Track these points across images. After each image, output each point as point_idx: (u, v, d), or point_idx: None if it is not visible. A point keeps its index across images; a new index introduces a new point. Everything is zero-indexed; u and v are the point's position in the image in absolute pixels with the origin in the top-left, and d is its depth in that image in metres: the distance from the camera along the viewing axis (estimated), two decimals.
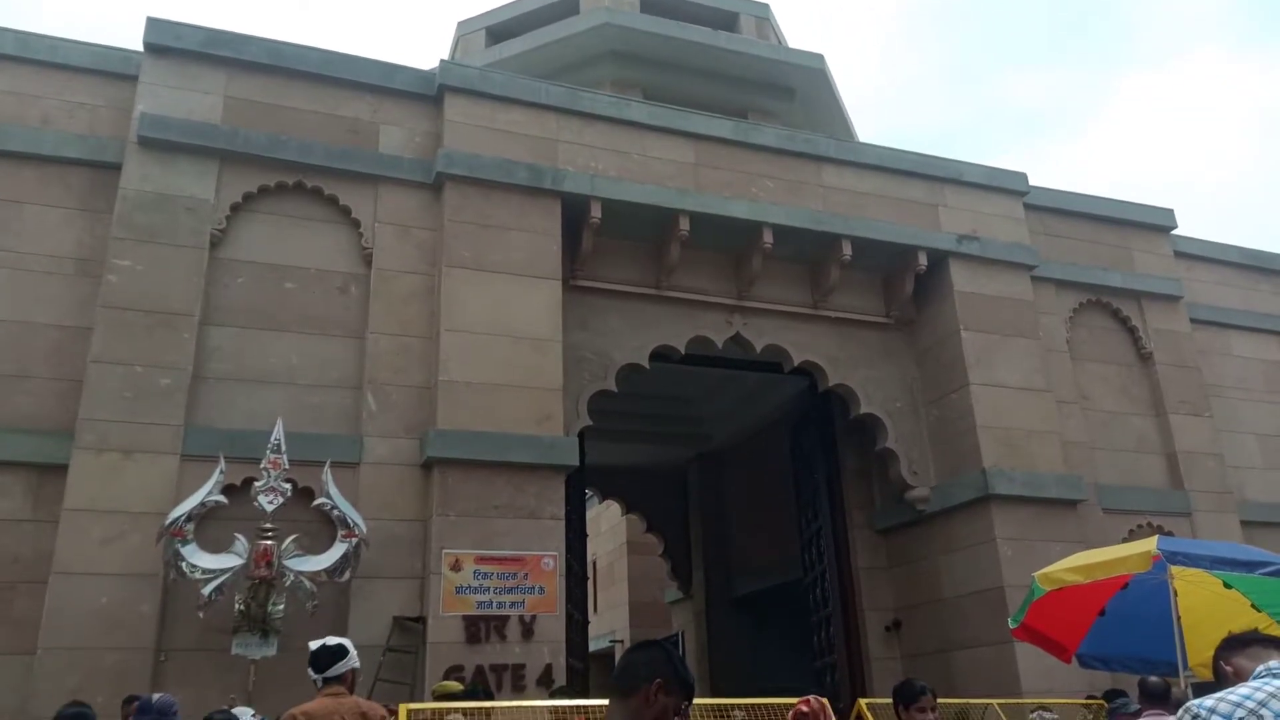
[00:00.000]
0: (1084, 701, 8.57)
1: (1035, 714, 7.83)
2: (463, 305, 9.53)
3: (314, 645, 4.84)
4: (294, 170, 9.69)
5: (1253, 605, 5.78)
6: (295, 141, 9.73)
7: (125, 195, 9.06)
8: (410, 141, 10.27)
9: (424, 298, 9.72)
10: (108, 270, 8.78)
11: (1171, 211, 14.16)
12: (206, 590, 7.68)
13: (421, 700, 7.54)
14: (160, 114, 9.36)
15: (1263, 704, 2.19)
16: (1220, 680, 2.60)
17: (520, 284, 9.82)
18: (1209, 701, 2.28)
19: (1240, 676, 2.50)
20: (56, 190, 9.32)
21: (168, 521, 7.79)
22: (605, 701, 3.05)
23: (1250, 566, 5.69)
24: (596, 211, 10.40)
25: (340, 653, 4.77)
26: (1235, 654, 2.62)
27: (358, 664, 4.93)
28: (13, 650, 7.79)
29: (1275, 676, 2.29)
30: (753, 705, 5.64)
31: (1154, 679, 6.07)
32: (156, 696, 5.68)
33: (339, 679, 4.71)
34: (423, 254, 9.87)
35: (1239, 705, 2.22)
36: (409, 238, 9.88)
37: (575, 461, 9.59)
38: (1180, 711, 2.31)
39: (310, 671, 4.79)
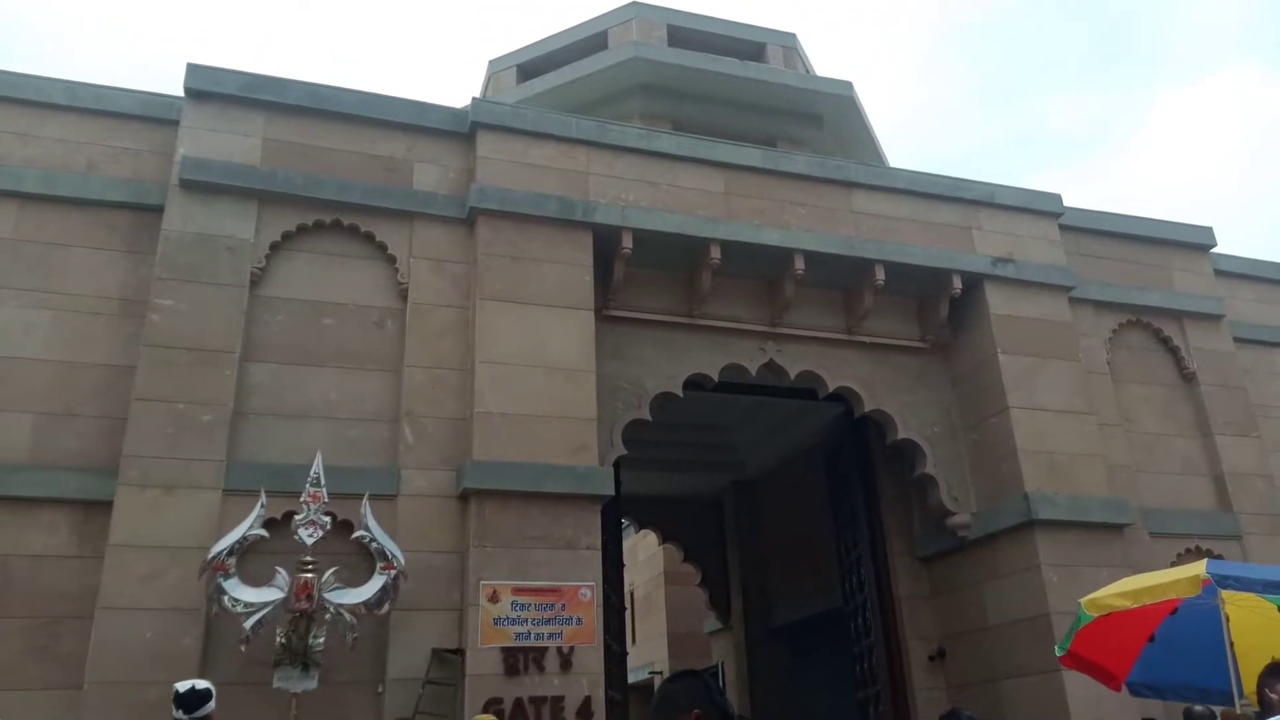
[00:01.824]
0: None
1: None
2: (496, 337, 9.62)
3: (182, 687, 5.60)
4: (331, 209, 9.88)
5: None
6: (333, 181, 9.93)
7: (168, 236, 9.29)
8: (444, 178, 10.44)
9: (459, 331, 9.82)
10: (150, 309, 8.98)
11: (1210, 229, 13.95)
12: (248, 624, 7.75)
13: None
14: (201, 157, 9.60)
15: None
16: (1265, 708, 2.54)
17: (553, 315, 9.90)
18: None
19: None
20: (101, 233, 9.58)
21: (210, 556, 7.90)
22: None
23: None
24: (628, 242, 10.48)
25: (207, 696, 5.60)
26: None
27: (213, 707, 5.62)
28: (60, 685, 7.89)
29: None
30: None
31: (1199, 708, 5.90)
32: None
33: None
34: (457, 288, 9.99)
35: None
36: (443, 272, 10.01)
37: (610, 491, 9.59)
38: None
39: (179, 712, 5.48)
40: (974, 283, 11.82)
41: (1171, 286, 13.28)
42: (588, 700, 8.61)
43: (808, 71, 18.25)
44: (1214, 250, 13.93)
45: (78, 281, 9.32)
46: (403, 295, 9.87)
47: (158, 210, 9.51)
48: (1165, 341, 12.99)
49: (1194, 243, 13.78)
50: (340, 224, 9.91)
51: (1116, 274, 13.10)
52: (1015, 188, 12.72)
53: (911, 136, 75.67)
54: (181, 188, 9.48)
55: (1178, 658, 6.45)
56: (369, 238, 9.97)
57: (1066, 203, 12.85)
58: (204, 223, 9.43)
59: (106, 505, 8.31)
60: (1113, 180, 74.69)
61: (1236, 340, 13.35)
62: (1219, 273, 13.82)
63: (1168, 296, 13.12)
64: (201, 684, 5.75)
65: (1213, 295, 13.40)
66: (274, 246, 9.62)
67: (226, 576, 7.86)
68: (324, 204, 9.86)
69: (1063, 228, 12.72)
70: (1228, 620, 5.67)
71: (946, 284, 11.71)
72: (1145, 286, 13.11)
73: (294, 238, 9.76)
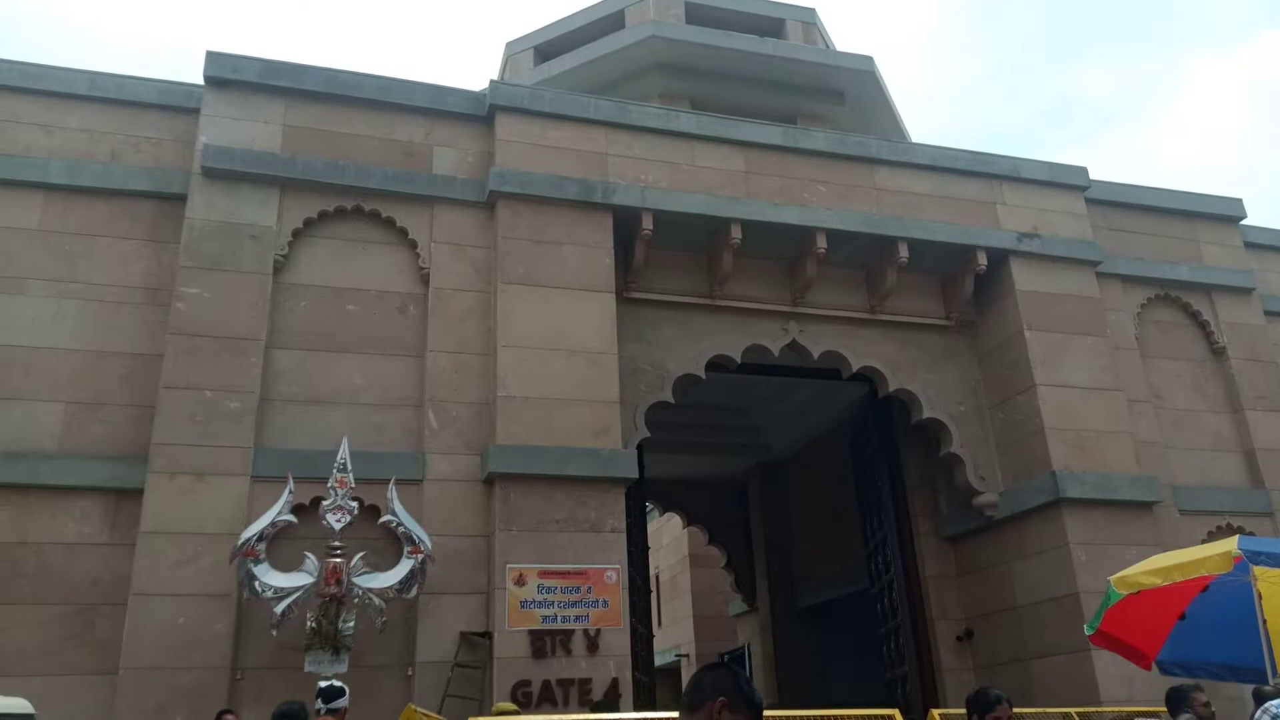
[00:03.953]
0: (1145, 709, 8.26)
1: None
2: (518, 321, 9.62)
3: (322, 684, 6.25)
4: (352, 194, 9.90)
5: None
6: (353, 166, 9.94)
7: (191, 225, 9.34)
8: (463, 162, 10.42)
9: (480, 315, 9.83)
10: (176, 298, 9.05)
11: (1240, 201, 13.71)
12: (279, 609, 7.84)
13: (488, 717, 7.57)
14: (222, 144, 9.63)
15: None
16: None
17: (574, 298, 9.88)
18: None
19: None
20: (126, 222, 9.65)
21: (240, 542, 7.98)
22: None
23: None
24: (648, 223, 10.43)
25: (340, 692, 6.20)
26: None
27: (348, 704, 6.17)
28: (95, 670, 8.03)
29: None
30: (821, 717, 5.56)
31: (1268, 687, 5.81)
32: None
33: (336, 711, 6.08)
34: (478, 272, 9.99)
35: None
36: (464, 256, 10.02)
37: (634, 474, 9.59)
38: (1259, 711, 2.28)
39: (319, 702, 6.00)
40: (999, 259, 11.68)
41: (1200, 260, 13.08)
42: (615, 682, 8.64)
43: (827, 47, 18.04)
44: (1244, 222, 13.69)
45: (104, 271, 9.40)
46: (424, 280, 9.88)
47: (181, 199, 9.57)
48: (1194, 316, 12.81)
49: (1223, 215, 13.55)
50: (361, 209, 9.93)
51: (1144, 248, 12.90)
52: (1040, 161, 12.54)
53: (936, 112, 74.79)
54: (204, 176, 9.53)
55: (1209, 635, 6.36)
56: (390, 223, 9.98)
57: (1094, 176, 12.66)
58: (227, 210, 9.47)
59: (137, 493, 8.41)
60: (1142, 153, 73.59)
61: (1268, 314, 13.14)
62: (1249, 245, 13.59)
63: (1197, 270, 12.92)
64: (337, 682, 6.38)
65: (1243, 268, 13.18)
66: (296, 233, 9.66)
67: (257, 562, 7.95)
68: (345, 190, 9.88)
69: (1089, 201, 12.54)
70: (1260, 597, 5.57)
71: (971, 260, 11.59)
72: (1174, 260, 12.91)
73: (316, 224, 9.79)
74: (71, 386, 8.92)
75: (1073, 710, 7.52)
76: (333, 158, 9.94)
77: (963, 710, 4.73)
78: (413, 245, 9.98)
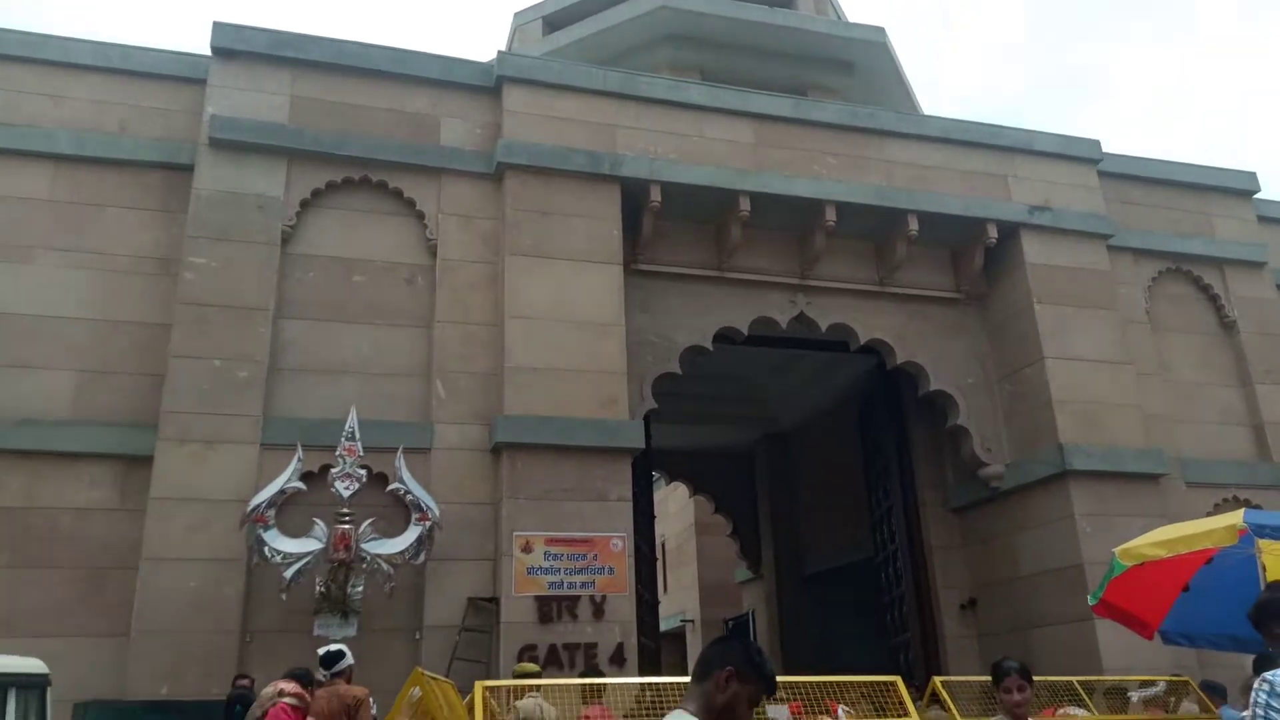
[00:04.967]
0: (1172, 678, 8.32)
1: (1134, 693, 7.59)
2: (525, 292, 9.64)
3: (321, 651, 6.42)
4: (359, 166, 9.89)
5: None
6: (360, 137, 9.93)
7: (199, 195, 9.36)
8: (471, 133, 10.39)
9: (488, 286, 9.85)
10: (184, 268, 9.09)
11: (1254, 174, 13.58)
12: (288, 574, 7.95)
13: (498, 678, 7.68)
14: (230, 115, 9.63)
15: None
16: (1275, 644, 2.59)
17: (582, 269, 9.88)
18: None
19: None
20: (134, 192, 9.67)
21: (250, 508, 8.07)
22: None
23: None
24: (656, 195, 10.40)
25: (340, 655, 6.37)
26: None
27: (352, 662, 6.40)
28: (108, 633, 8.17)
29: None
30: (823, 683, 5.63)
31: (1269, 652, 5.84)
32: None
33: (340, 674, 6.28)
34: (485, 243, 9.99)
35: None
36: (472, 228, 10.02)
37: (640, 444, 9.64)
38: (1258, 681, 2.33)
39: (322, 670, 6.14)
40: (1010, 231, 11.62)
41: (1213, 233, 12.99)
42: (620, 646, 8.75)
43: (838, 17, 17.86)
44: (1258, 196, 13.57)
45: (113, 241, 9.44)
46: (432, 251, 9.89)
47: (189, 169, 9.59)
48: (1205, 289, 12.74)
49: (1237, 188, 13.43)
50: (369, 181, 9.93)
51: (1156, 221, 12.82)
52: (1052, 134, 12.43)
53: (948, 82, 74.02)
54: (211, 146, 9.53)
55: (1212, 607, 6.39)
56: (397, 194, 9.98)
57: (1106, 149, 12.55)
58: (234, 181, 9.48)
59: (147, 460, 8.51)
60: (1157, 125, 72.75)
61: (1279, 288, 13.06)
62: (1263, 219, 13.49)
63: (1209, 244, 12.84)
64: (335, 647, 6.53)
65: (1255, 242, 13.09)
66: (304, 204, 9.67)
67: (266, 528, 8.05)
68: (352, 161, 9.87)
69: (1101, 174, 12.45)
70: (1264, 569, 5.60)
71: (981, 233, 11.54)
72: (1186, 234, 12.83)
73: (323, 195, 9.79)
74: (82, 355, 9.00)
75: (1074, 679, 7.58)
76: (340, 129, 9.92)
77: (964, 677, 4.80)
78: (420, 216, 9.98)
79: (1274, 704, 2.34)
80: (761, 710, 5.13)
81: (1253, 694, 2.36)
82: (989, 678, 5.94)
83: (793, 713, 5.67)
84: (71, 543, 8.42)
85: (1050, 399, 10.84)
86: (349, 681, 6.50)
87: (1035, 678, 6.67)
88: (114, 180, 9.64)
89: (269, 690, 5.05)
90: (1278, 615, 2.67)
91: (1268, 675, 2.38)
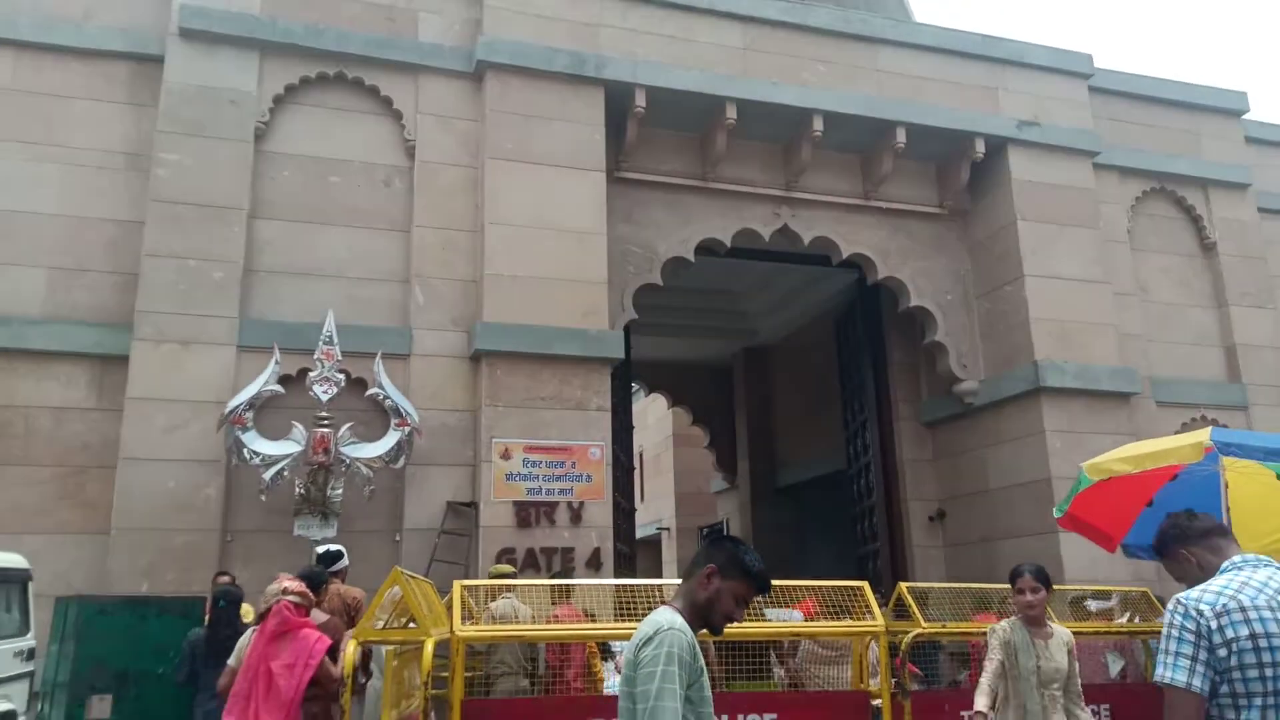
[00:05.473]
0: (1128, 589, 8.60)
1: (1091, 602, 7.83)
2: (506, 198, 9.48)
3: (320, 549, 6.81)
4: (334, 60, 9.58)
5: None
6: (333, 30, 9.58)
7: (169, 88, 9.06)
8: (449, 29, 10.05)
9: (468, 191, 9.67)
10: (156, 164, 8.85)
11: (1244, 94, 13.44)
12: (267, 475, 8.00)
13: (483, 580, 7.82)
14: (199, 4, 9.24)
15: (1239, 591, 2.43)
16: (1180, 564, 2.77)
17: (563, 176, 9.71)
18: (1194, 593, 2.49)
19: (1203, 568, 2.68)
20: (101, 84, 9.34)
21: (228, 410, 8.06)
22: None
23: None
24: (641, 100, 10.16)
25: (338, 555, 6.71)
26: (1195, 544, 2.75)
27: (348, 563, 6.83)
28: (87, 530, 8.23)
29: (1239, 569, 2.53)
30: (795, 587, 5.78)
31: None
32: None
33: (337, 572, 6.58)
34: (465, 146, 9.77)
35: (1220, 594, 2.44)
36: (451, 129, 9.78)
37: (620, 354, 9.65)
38: (1171, 602, 2.51)
39: (319, 565, 6.40)
40: (997, 146, 11.50)
41: (1199, 153, 12.92)
42: (597, 551, 8.92)
43: None
44: (1247, 116, 13.47)
45: (81, 134, 9.15)
46: (410, 153, 9.67)
47: (157, 60, 9.25)
48: (1188, 210, 12.74)
49: (1226, 108, 13.31)
50: (344, 77, 9.62)
51: (1144, 139, 12.72)
52: (1046, 47, 12.19)
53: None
54: (181, 37, 9.18)
55: None
56: (373, 92, 9.70)
57: (1099, 64, 12.35)
58: (205, 74, 9.16)
59: (122, 360, 8.43)
60: (1149, 42, 71.49)
61: (1262, 211, 13.08)
62: (1250, 140, 13.41)
63: (1194, 164, 12.78)
64: (334, 547, 6.83)
65: (1241, 163, 13.04)
66: (277, 100, 9.38)
67: (244, 430, 8.05)
68: (326, 55, 9.55)
69: (1091, 90, 12.28)
70: (1226, 486, 5.73)
71: (968, 147, 11.41)
72: (1172, 153, 12.75)
73: (297, 91, 9.50)
74: (52, 251, 8.81)
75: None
76: (312, 20, 9.56)
77: (929, 584, 4.94)
78: (397, 116, 9.72)
79: (1187, 625, 2.42)
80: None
81: (1166, 614, 2.48)
82: (953, 584, 6.11)
83: (806, 614, 5.85)
84: (50, 441, 8.40)
85: (1028, 317, 10.91)
86: (344, 581, 6.70)
87: (1001, 585, 6.87)
88: (80, 70, 9.29)
89: (273, 587, 5.14)
90: (1178, 539, 2.79)
91: (1180, 596, 2.49)
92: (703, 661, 2.42)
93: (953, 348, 11.53)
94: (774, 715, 5.11)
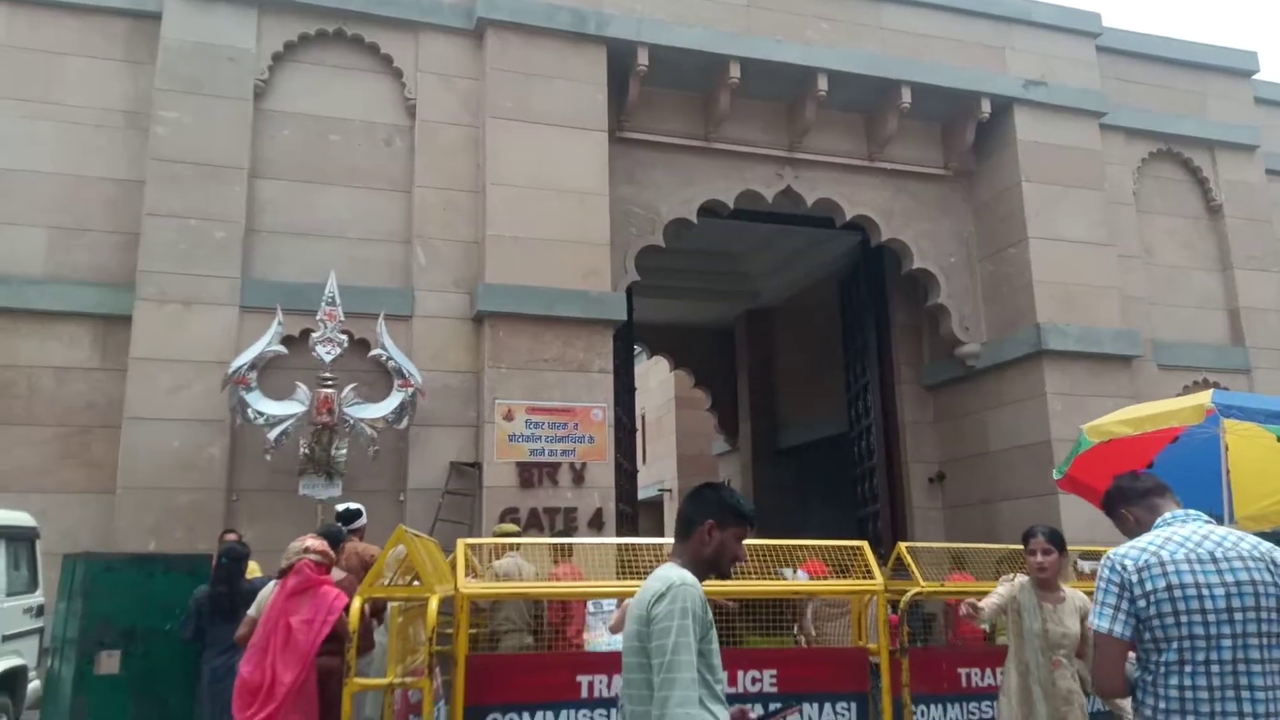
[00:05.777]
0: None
1: (1082, 562, 7.89)
2: (508, 157, 9.41)
3: (340, 507, 6.96)
4: (332, 17, 9.46)
5: None
6: None
7: (167, 45, 8.95)
8: None
9: (469, 150, 9.60)
10: (155, 122, 8.78)
11: (1254, 54, 13.28)
12: (272, 435, 8.03)
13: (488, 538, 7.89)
14: None
15: (1161, 546, 2.62)
16: (1122, 523, 2.93)
17: (565, 135, 9.63)
18: (1122, 549, 2.68)
19: (1141, 525, 2.84)
20: (98, 41, 9.23)
21: (231, 370, 8.08)
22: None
23: None
24: (643, 58, 10.04)
25: (357, 514, 6.86)
26: (1134, 504, 2.90)
27: (366, 521, 6.99)
28: (92, 489, 8.28)
29: (1168, 525, 2.71)
30: (796, 546, 5.84)
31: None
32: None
33: (355, 530, 6.72)
34: (466, 105, 9.68)
35: (1144, 550, 2.63)
36: (452, 88, 9.68)
37: (622, 316, 9.63)
38: (1103, 558, 2.68)
39: (339, 524, 6.51)
40: (1003, 106, 11.38)
41: (1206, 114, 12.79)
42: (599, 511, 8.98)
43: None
44: (1256, 77, 13.31)
45: (78, 92, 9.06)
46: (410, 112, 9.59)
47: (155, 17, 9.13)
48: (1195, 172, 12.64)
49: (1235, 68, 13.15)
50: (343, 34, 9.51)
51: (1151, 100, 12.58)
52: (1053, 5, 12.02)
53: None
54: None
55: (1175, 484, 6.55)
56: (373, 49, 9.59)
57: (1105, 23, 12.18)
58: (204, 31, 9.06)
59: (125, 319, 8.43)
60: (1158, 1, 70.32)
61: (1269, 173, 12.97)
62: (1259, 100, 13.26)
63: (1202, 125, 12.66)
64: (353, 505, 6.93)
65: (1249, 124, 12.91)
66: (276, 57, 9.28)
67: (248, 390, 8.07)
68: (324, 11, 9.43)
69: (1099, 49, 12.12)
70: (1227, 449, 5.74)
71: (974, 107, 11.29)
72: (1179, 114, 12.62)
73: (296, 48, 9.39)
74: (52, 210, 8.77)
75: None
76: None
77: (928, 544, 4.97)
78: (398, 74, 9.62)
79: (1113, 578, 2.61)
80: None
81: (1099, 568, 2.60)
82: (951, 544, 6.14)
83: (811, 574, 5.91)
84: (54, 401, 8.42)
85: (1031, 280, 10.87)
86: (361, 538, 6.81)
87: (999, 545, 6.91)
88: (75, 26, 9.17)
89: (295, 545, 5.21)
90: (1120, 499, 2.92)
91: (1110, 552, 2.67)
92: (711, 615, 2.46)
93: (955, 310, 11.50)
94: (774, 671, 5.19)
